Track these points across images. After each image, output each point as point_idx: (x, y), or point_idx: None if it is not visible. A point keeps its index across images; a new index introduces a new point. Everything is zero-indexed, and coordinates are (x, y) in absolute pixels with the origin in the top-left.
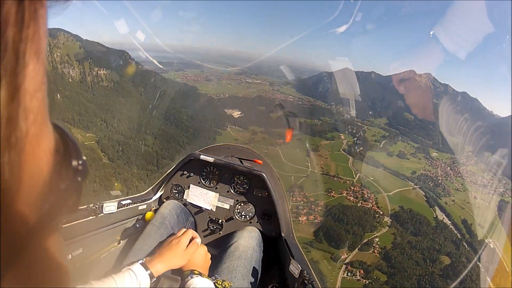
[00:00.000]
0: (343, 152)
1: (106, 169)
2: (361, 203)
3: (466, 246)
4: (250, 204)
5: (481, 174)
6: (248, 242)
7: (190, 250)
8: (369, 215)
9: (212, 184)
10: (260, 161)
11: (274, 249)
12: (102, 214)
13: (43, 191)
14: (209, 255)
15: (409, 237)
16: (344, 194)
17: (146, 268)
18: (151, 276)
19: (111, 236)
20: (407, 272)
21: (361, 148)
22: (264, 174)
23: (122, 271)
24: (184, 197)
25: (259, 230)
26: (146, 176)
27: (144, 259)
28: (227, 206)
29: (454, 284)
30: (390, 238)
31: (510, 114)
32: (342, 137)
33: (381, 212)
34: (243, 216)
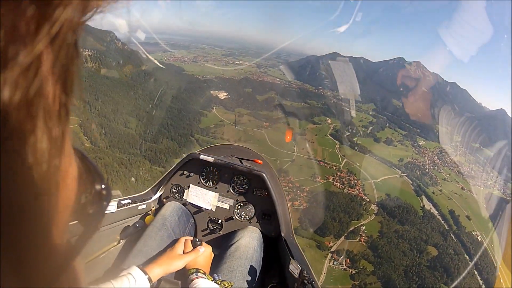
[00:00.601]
0: (330, 137)
1: (89, 154)
2: (348, 189)
3: (453, 237)
4: (250, 204)
5: (468, 165)
6: (249, 243)
7: (189, 254)
8: (355, 202)
9: (212, 184)
10: (260, 161)
11: (274, 249)
12: None
13: (73, 218)
14: (212, 256)
15: (396, 226)
16: (331, 180)
17: (145, 273)
18: (149, 280)
19: (110, 235)
20: (394, 263)
21: (348, 134)
22: (264, 174)
23: (120, 276)
24: (184, 197)
25: (259, 230)
26: (128, 160)
27: (143, 264)
28: (226, 206)
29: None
30: (377, 227)
31: (499, 107)
32: (329, 121)
33: (368, 200)
34: (243, 216)
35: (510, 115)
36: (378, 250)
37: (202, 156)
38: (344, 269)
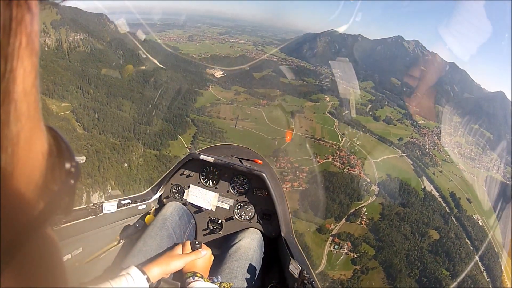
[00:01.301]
0: (329, 115)
1: (78, 141)
2: (348, 169)
3: (454, 221)
4: (250, 204)
5: (468, 146)
6: (249, 244)
7: (189, 255)
8: (356, 183)
9: (212, 184)
10: (260, 161)
11: (274, 249)
12: (102, 213)
13: (35, 193)
14: (212, 259)
15: (397, 208)
16: (330, 160)
17: (143, 273)
18: (148, 280)
19: (111, 235)
20: (396, 247)
21: (347, 111)
22: (264, 174)
23: (119, 276)
24: (184, 197)
25: (259, 230)
26: (120, 145)
27: (141, 264)
28: (227, 206)
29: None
30: (378, 209)
31: (499, 90)
32: (327, 99)
33: (368, 180)
34: (243, 216)
35: (509, 98)
36: (380, 233)
37: (202, 156)
38: (346, 253)
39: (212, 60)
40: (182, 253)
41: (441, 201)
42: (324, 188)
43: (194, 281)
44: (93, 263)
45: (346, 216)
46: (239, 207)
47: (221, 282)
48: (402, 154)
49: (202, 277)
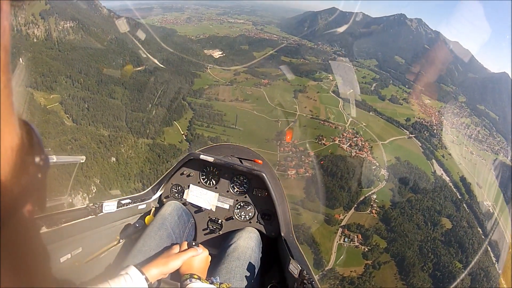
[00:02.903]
0: (333, 94)
1: (62, 136)
2: (355, 152)
3: (466, 208)
4: (249, 204)
5: (475, 127)
6: (247, 243)
7: (185, 254)
8: (365, 168)
9: (211, 184)
10: (260, 161)
11: (274, 249)
12: (101, 213)
13: (3, 187)
14: (209, 259)
15: (408, 195)
16: (337, 142)
17: (142, 273)
18: (146, 280)
19: (110, 235)
20: (408, 237)
21: (351, 90)
22: (264, 174)
23: (117, 276)
24: (184, 197)
25: (259, 230)
26: (108, 137)
27: (140, 264)
28: (226, 206)
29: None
30: (388, 195)
31: (503, 71)
32: (331, 77)
33: (377, 164)
34: (243, 216)
35: None
36: (391, 223)
37: (202, 156)
38: (356, 247)
39: (210, 40)
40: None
41: (452, 186)
42: (331, 175)
43: (191, 283)
44: (93, 263)
45: (356, 205)
46: (239, 207)
47: (220, 283)
48: (410, 135)
49: (199, 278)
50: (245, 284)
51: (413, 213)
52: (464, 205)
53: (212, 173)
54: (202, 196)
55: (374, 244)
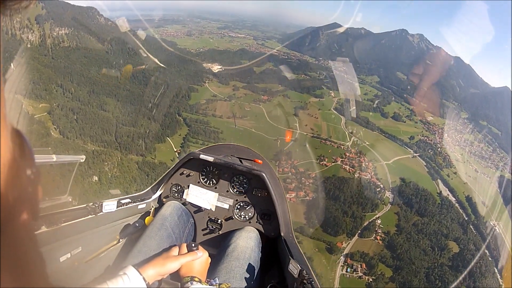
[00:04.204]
0: (335, 111)
1: (45, 149)
2: (359, 173)
3: (473, 229)
4: (249, 204)
5: (478, 144)
6: (246, 243)
7: (184, 256)
8: (369, 190)
9: (211, 184)
10: (260, 161)
11: (274, 249)
12: (101, 213)
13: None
14: (209, 261)
15: (414, 218)
16: (339, 162)
17: (140, 273)
18: (144, 280)
19: (110, 235)
20: (415, 265)
21: (354, 107)
22: (263, 174)
23: (116, 276)
24: (183, 197)
25: (259, 230)
26: (92, 153)
27: (138, 265)
28: (226, 206)
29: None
30: (394, 219)
31: (504, 85)
32: (333, 94)
33: (382, 186)
34: (243, 216)
35: None
36: (397, 250)
37: (202, 156)
38: (360, 277)
39: (209, 54)
40: (178, 255)
41: (458, 207)
42: (334, 199)
43: (192, 286)
44: (93, 262)
45: (359, 231)
46: (239, 207)
47: (219, 284)
48: (415, 154)
49: (200, 281)
50: (245, 284)
51: (420, 238)
52: (471, 226)
53: (212, 173)
54: (202, 196)
55: (379, 273)
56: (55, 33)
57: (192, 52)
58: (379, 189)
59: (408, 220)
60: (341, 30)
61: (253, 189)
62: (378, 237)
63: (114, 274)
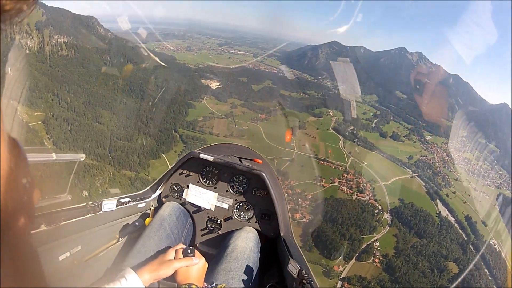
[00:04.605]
0: (333, 131)
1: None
2: (357, 195)
3: (472, 249)
4: (249, 204)
5: (477, 162)
6: (245, 243)
7: (178, 261)
8: (367, 212)
9: (211, 184)
10: (259, 161)
11: (273, 249)
12: (101, 212)
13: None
14: (206, 266)
15: (413, 240)
16: (337, 183)
17: (138, 276)
18: (143, 284)
19: (110, 234)
20: None
21: (352, 127)
22: (263, 174)
23: (113, 280)
24: (183, 196)
25: (258, 230)
26: (83, 167)
27: (137, 267)
28: (226, 206)
29: None
30: (392, 241)
31: (502, 101)
32: (331, 113)
33: (380, 207)
34: (242, 216)
35: None
36: (395, 273)
37: (201, 155)
38: None
39: (208, 70)
40: (174, 259)
41: (458, 227)
42: (331, 221)
43: None
44: (92, 261)
45: (357, 254)
46: (238, 206)
47: (216, 285)
48: (414, 174)
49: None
50: (244, 285)
51: (419, 260)
52: (471, 246)
53: (211, 173)
54: (201, 196)
55: None
56: (54, 41)
57: (191, 67)
58: (377, 210)
59: (406, 242)
60: (340, 48)
61: (252, 189)
62: (377, 260)
63: (113, 275)
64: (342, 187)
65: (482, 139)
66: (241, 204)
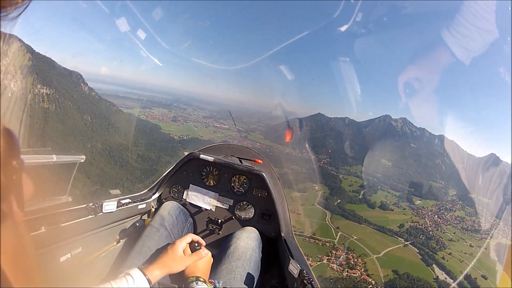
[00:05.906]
0: (319, 206)
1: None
2: (347, 271)
3: None
4: (249, 204)
5: (470, 218)
6: (247, 243)
7: (190, 257)
8: None
9: (211, 184)
10: (260, 161)
11: (274, 249)
12: (101, 213)
13: None
14: (212, 260)
15: None
16: (325, 261)
17: (144, 274)
18: (149, 281)
19: (110, 235)
20: None
21: (339, 201)
22: (263, 174)
23: (119, 277)
24: (183, 197)
25: (259, 230)
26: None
27: (142, 265)
28: (226, 206)
29: None
30: None
31: (490, 152)
32: (316, 188)
33: (373, 282)
34: (243, 216)
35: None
36: None
37: (202, 156)
38: None
39: (192, 142)
40: (185, 255)
41: None
42: None
43: (197, 286)
44: (93, 263)
45: None
46: (239, 207)
47: (218, 282)
48: (406, 242)
49: (205, 281)
50: (247, 284)
51: None
52: None
53: (212, 173)
54: (201, 196)
55: None
56: (36, 90)
57: (174, 138)
58: (370, 286)
59: None
60: (325, 120)
61: (253, 189)
62: None
63: (116, 274)
64: (332, 265)
65: (472, 194)
66: (241, 204)
